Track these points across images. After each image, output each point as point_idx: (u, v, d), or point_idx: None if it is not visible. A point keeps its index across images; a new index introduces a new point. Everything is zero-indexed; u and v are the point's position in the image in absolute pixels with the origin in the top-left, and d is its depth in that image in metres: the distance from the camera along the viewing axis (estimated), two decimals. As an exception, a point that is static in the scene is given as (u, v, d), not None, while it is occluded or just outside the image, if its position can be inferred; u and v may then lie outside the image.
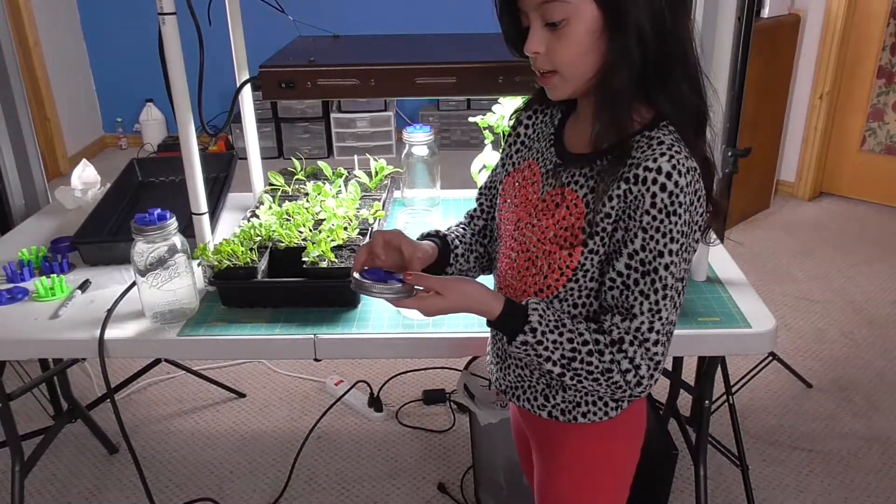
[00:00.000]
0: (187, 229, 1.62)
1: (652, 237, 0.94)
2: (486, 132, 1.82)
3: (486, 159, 1.81)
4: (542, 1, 0.94)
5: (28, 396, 2.06)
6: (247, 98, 1.91)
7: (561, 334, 0.99)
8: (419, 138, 1.83)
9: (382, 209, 1.76)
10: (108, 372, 1.45)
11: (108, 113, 5.29)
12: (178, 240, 1.43)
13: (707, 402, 1.76)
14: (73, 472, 2.27)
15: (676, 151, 0.93)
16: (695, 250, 1.00)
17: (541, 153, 1.11)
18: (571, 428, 1.15)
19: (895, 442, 2.32)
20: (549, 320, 1.00)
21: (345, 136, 5.00)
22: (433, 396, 2.53)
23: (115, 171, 2.12)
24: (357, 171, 1.93)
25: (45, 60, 4.64)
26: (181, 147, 1.58)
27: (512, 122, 1.19)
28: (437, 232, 1.24)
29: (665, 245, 0.94)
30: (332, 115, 4.96)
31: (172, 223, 1.42)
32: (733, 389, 2.03)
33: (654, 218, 0.93)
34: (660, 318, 0.96)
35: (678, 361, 2.05)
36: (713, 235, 1.09)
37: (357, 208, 1.72)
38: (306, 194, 1.82)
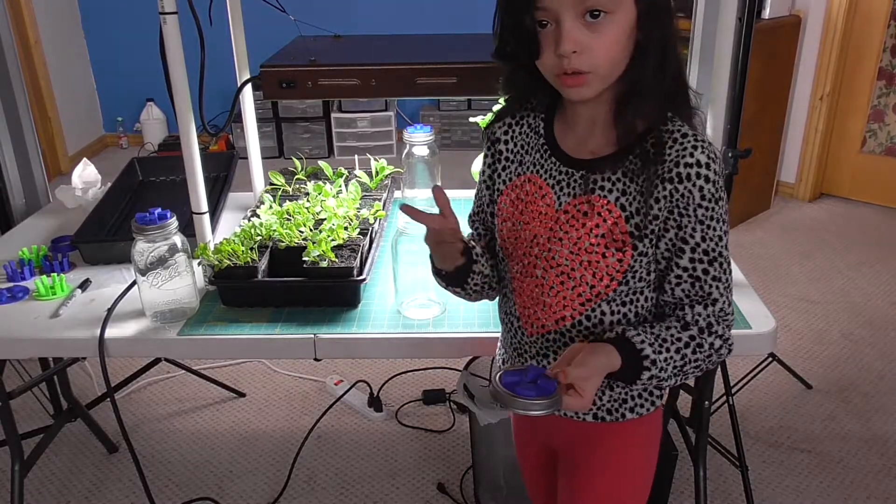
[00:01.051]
0: (188, 228, 1.63)
1: (710, 226, 0.99)
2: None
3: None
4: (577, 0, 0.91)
5: (28, 395, 2.06)
6: (247, 98, 1.91)
7: (668, 350, 1.01)
8: (420, 138, 1.82)
9: (383, 209, 1.76)
10: (108, 371, 1.45)
11: (109, 112, 5.28)
12: (178, 239, 1.44)
13: (707, 402, 1.76)
14: (73, 471, 2.27)
15: (700, 140, 0.98)
16: None
17: (539, 164, 1.08)
18: (614, 427, 1.13)
19: (895, 443, 2.32)
20: (653, 343, 1.00)
21: (345, 135, 5.00)
22: (433, 396, 2.53)
23: (115, 171, 2.12)
24: (357, 171, 1.93)
25: (46, 59, 4.63)
26: (182, 146, 1.58)
27: (486, 142, 1.14)
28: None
29: (720, 228, 0.99)
30: (333, 115, 4.96)
31: (173, 222, 1.42)
32: (733, 390, 2.03)
33: (707, 209, 0.97)
34: (729, 290, 1.03)
35: (678, 362, 2.05)
36: None
37: (357, 208, 1.72)
38: (307, 194, 1.82)
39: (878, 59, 3.86)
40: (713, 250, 1.00)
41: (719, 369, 1.93)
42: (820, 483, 2.17)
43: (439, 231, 1.08)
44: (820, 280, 3.31)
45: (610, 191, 1.00)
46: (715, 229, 0.99)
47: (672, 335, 1.02)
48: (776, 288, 3.23)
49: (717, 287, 1.02)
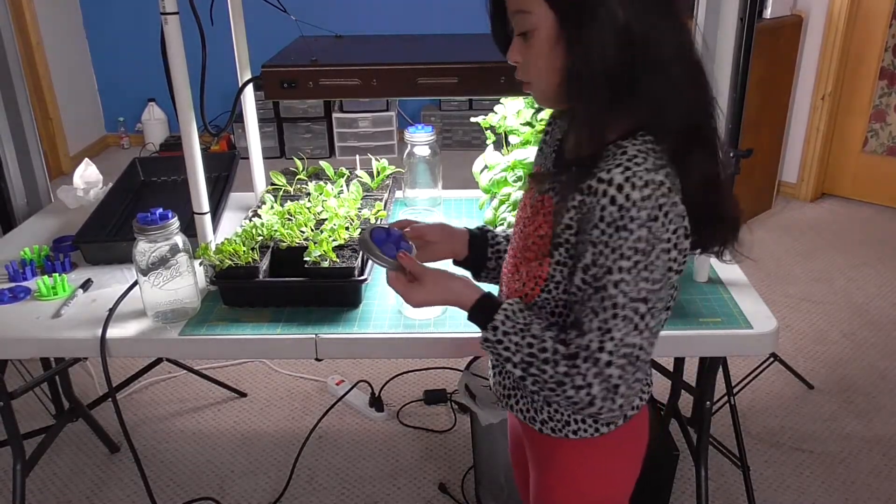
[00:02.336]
0: (189, 229, 1.62)
1: (601, 252, 0.90)
2: (488, 132, 1.81)
3: (488, 159, 1.81)
4: (513, 11, 0.96)
5: (30, 395, 2.06)
6: (249, 98, 1.91)
7: (523, 338, 0.97)
8: (421, 138, 1.82)
9: (384, 209, 1.76)
10: (110, 371, 1.45)
11: (111, 112, 5.29)
12: (179, 239, 1.44)
13: (708, 402, 1.76)
14: (75, 471, 2.27)
15: (637, 163, 0.90)
16: (672, 269, 0.94)
17: (547, 159, 1.12)
18: (563, 443, 1.13)
19: (896, 443, 2.32)
20: (517, 322, 0.99)
21: (347, 136, 5.00)
22: (434, 396, 2.53)
23: (117, 171, 2.12)
24: (359, 171, 1.93)
25: (48, 59, 4.64)
26: (183, 146, 1.58)
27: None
28: (484, 227, 1.28)
29: (614, 262, 0.89)
30: (334, 115, 4.96)
31: (174, 222, 1.42)
32: (734, 390, 2.03)
33: (603, 232, 0.89)
34: (611, 339, 0.91)
35: (679, 362, 2.05)
36: (727, 253, 1.06)
37: (359, 208, 1.72)
38: (308, 194, 1.82)
39: (880, 58, 3.86)
40: (599, 279, 0.91)
41: (721, 369, 1.93)
42: (822, 483, 2.16)
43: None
44: (821, 280, 3.30)
45: (557, 195, 1.00)
46: (607, 258, 0.90)
47: (542, 335, 0.97)
48: (778, 288, 3.23)
49: (591, 321, 0.91)
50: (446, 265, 1.22)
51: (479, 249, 1.24)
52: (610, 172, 0.90)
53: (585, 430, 1.11)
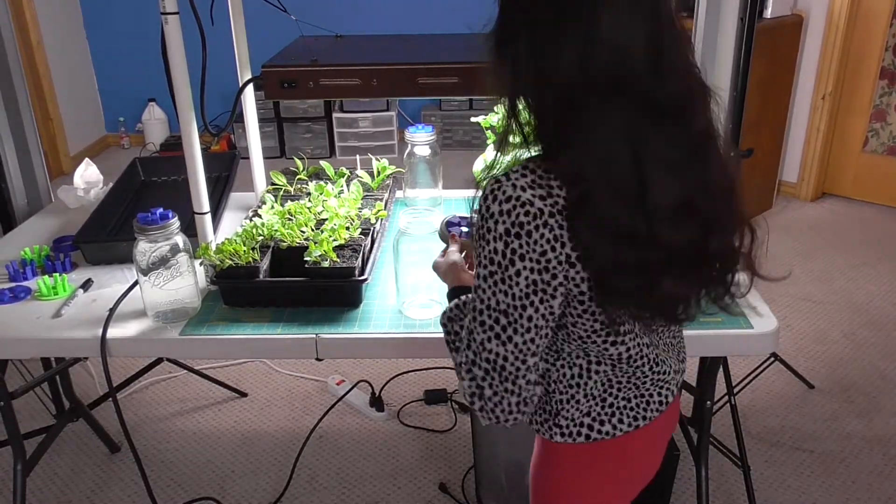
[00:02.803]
0: (189, 228, 1.63)
1: (476, 255, 0.95)
2: (489, 132, 1.81)
3: (488, 159, 1.81)
4: None
5: (30, 395, 2.06)
6: (249, 98, 1.91)
7: (457, 325, 1.08)
8: (421, 138, 1.82)
9: (384, 209, 1.76)
10: (110, 371, 1.45)
11: (111, 112, 5.29)
12: (180, 239, 1.44)
13: (709, 402, 1.76)
14: (75, 470, 2.27)
15: (508, 178, 0.92)
16: (546, 293, 0.92)
17: None
18: (546, 443, 1.12)
19: (897, 443, 2.32)
20: (461, 311, 1.08)
21: (347, 135, 5.00)
22: (435, 396, 2.53)
23: (117, 171, 2.12)
24: (359, 171, 1.93)
25: (48, 59, 4.64)
26: (183, 146, 1.58)
27: None
28: None
29: (478, 266, 0.94)
30: (335, 115, 4.96)
31: (174, 222, 1.43)
32: (735, 390, 2.03)
33: (475, 239, 0.94)
34: (473, 340, 0.95)
35: (680, 362, 2.04)
36: (741, 287, 1.03)
37: (359, 208, 1.72)
38: (308, 194, 1.82)
39: (880, 58, 3.86)
40: (476, 286, 0.96)
41: (721, 369, 1.93)
42: (822, 483, 2.16)
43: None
44: (822, 280, 3.30)
45: None
46: (477, 263, 0.95)
47: (465, 324, 1.01)
48: (778, 288, 3.23)
49: (466, 319, 0.98)
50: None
51: None
52: (487, 183, 0.94)
53: (560, 434, 1.08)
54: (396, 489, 2.17)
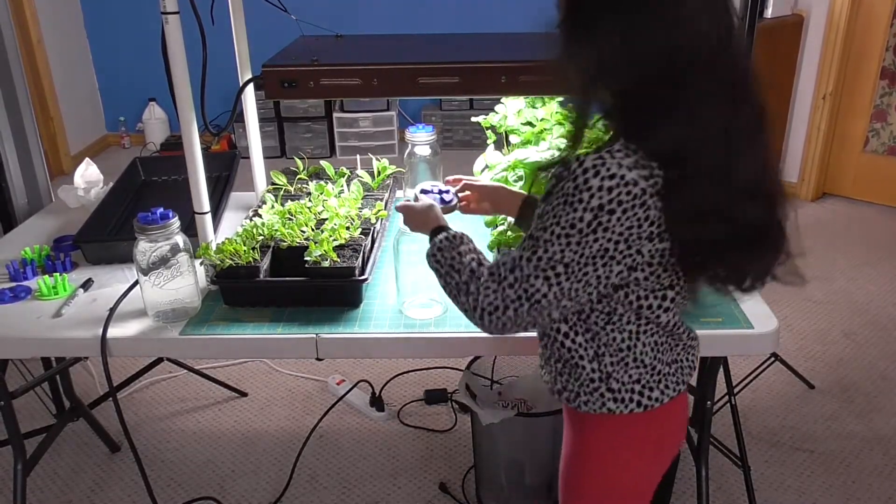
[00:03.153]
0: (190, 228, 1.63)
1: (547, 212, 0.99)
2: (489, 132, 1.81)
3: (489, 159, 1.81)
4: None
5: (30, 395, 2.06)
6: (249, 97, 1.91)
7: (450, 253, 1.13)
8: (421, 138, 1.82)
9: (384, 209, 1.76)
10: (111, 371, 1.45)
11: (111, 112, 5.29)
12: (180, 239, 1.44)
13: (709, 402, 1.76)
14: (75, 470, 2.27)
15: (613, 156, 0.94)
16: (615, 259, 0.98)
17: None
18: (578, 415, 1.17)
19: (897, 443, 2.31)
20: (452, 242, 1.15)
21: (347, 135, 5.00)
22: (435, 396, 2.53)
23: (117, 170, 2.12)
24: (359, 171, 1.93)
25: (49, 59, 4.64)
26: (184, 146, 1.58)
27: None
28: (533, 195, 1.43)
29: (552, 224, 0.98)
30: (335, 115, 4.96)
31: (175, 222, 1.43)
32: (735, 390, 2.03)
33: (558, 202, 0.97)
34: (520, 268, 1.01)
35: (680, 362, 2.04)
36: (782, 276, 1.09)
37: (359, 208, 1.72)
38: (309, 194, 1.82)
39: (881, 58, 3.86)
40: (535, 231, 1.01)
41: (721, 369, 1.93)
42: (822, 483, 2.16)
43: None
44: (822, 280, 3.30)
45: None
46: (549, 219, 0.99)
47: (462, 251, 1.13)
48: (778, 287, 3.22)
49: (513, 252, 1.03)
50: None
51: (527, 213, 1.39)
52: (588, 157, 0.95)
53: (594, 403, 1.13)
54: (396, 489, 2.17)
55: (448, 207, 1.43)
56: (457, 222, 1.29)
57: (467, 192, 1.49)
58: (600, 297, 1.06)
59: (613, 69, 0.95)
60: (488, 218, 1.73)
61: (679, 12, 0.91)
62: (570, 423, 1.23)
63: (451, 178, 1.51)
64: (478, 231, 1.66)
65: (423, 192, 1.45)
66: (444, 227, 1.22)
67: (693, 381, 1.92)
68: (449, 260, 1.14)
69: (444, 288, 1.15)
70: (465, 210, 1.48)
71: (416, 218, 1.33)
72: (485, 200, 1.49)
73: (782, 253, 1.07)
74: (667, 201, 0.94)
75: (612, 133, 1.01)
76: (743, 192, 0.97)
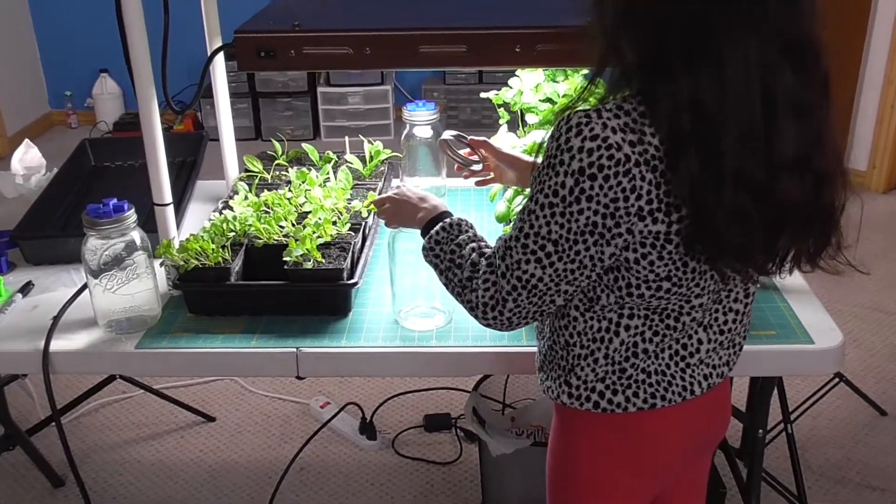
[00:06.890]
0: (148, 223, 1.63)
1: (536, 180, 1.05)
2: (501, 110, 1.82)
3: (501, 142, 1.81)
4: None
5: (-41, 419, 2.07)
6: (219, 69, 1.92)
7: (448, 246, 1.19)
8: (422, 117, 1.83)
9: (378, 200, 1.76)
10: (54, 390, 1.46)
11: (55, 86, 5.30)
12: (137, 235, 1.44)
13: (761, 431, 1.76)
14: (12, 508, 2.28)
15: (597, 114, 0.98)
16: (604, 237, 1.02)
17: None
18: (558, 407, 1.24)
19: (984, 480, 2.31)
20: (450, 233, 1.20)
21: (334, 113, 5.01)
22: (436, 422, 2.53)
23: (63, 154, 2.13)
24: (348, 156, 1.94)
25: (-18, 23, 4.66)
26: (141, 126, 1.59)
27: None
28: None
29: (536, 192, 1.04)
30: (320, 90, 4.97)
31: (131, 216, 1.43)
32: (792, 416, 2.03)
33: (543, 164, 1.04)
34: (510, 256, 1.07)
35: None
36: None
37: (348, 199, 1.72)
38: (288, 182, 1.82)
39: (966, 25, 3.85)
40: (526, 204, 1.07)
41: (776, 391, 1.93)
42: (895, 527, 2.17)
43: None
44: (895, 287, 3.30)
45: None
46: (535, 187, 1.05)
47: (462, 242, 1.19)
48: (843, 296, 3.23)
49: (507, 234, 1.09)
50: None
51: None
52: (575, 114, 1.00)
53: (578, 399, 1.17)
54: (391, 532, 2.17)
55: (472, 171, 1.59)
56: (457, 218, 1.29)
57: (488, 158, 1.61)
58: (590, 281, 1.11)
59: (643, 8, 0.99)
60: (500, 213, 1.73)
61: None
62: (557, 416, 1.29)
63: (474, 138, 1.59)
64: (485, 230, 1.65)
65: (445, 141, 1.60)
66: (440, 216, 1.26)
67: (742, 406, 1.92)
68: (448, 254, 1.19)
69: (445, 286, 1.20)
70: (487, 181, 1.60)
71: (403, 210, 1.35)
72: (511, 170, 1.59)
73: (829, 243, 1.13)
74: (676, 164, 0.97)
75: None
76: (783, 165, 0.99)
